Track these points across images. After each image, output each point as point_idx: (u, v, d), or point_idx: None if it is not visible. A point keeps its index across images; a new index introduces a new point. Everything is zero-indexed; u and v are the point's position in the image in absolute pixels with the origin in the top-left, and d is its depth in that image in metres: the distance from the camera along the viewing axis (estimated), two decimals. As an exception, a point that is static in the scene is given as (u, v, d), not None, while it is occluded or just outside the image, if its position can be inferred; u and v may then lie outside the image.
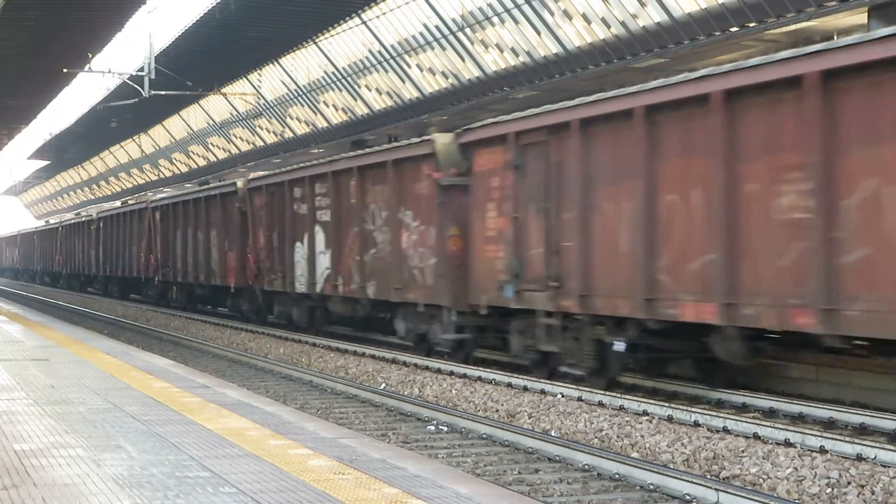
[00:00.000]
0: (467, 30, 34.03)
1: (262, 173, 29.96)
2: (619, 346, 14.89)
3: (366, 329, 25.78)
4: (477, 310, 18.12)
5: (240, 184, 30.08)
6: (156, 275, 38.68)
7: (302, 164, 26.91)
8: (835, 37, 23.48)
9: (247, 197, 29.26)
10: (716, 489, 9.17)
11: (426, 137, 19.96)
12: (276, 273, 27.02)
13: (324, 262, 24.25)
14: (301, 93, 46.58)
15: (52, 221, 71.92)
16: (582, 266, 15.40)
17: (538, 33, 31.37)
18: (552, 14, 30.50)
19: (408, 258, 20.31)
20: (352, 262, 22.74)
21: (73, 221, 57.63)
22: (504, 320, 17.75)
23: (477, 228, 18.08)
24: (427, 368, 18.66)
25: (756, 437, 11.65)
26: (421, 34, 36.53)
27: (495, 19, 32.52)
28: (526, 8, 30.81)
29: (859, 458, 10.48)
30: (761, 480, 9.94)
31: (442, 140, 19.31)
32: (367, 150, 23.72)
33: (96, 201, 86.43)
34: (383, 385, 17.20)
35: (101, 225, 48.88)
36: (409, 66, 38.43)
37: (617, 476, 10.21)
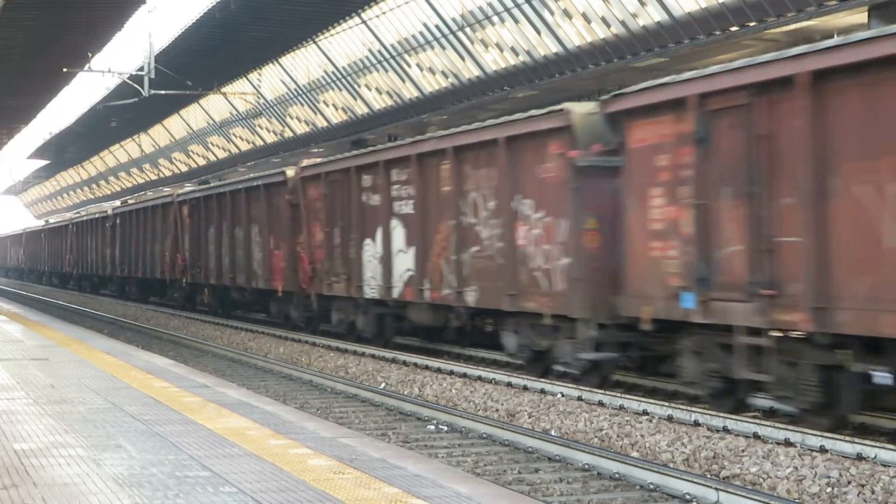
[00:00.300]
0: (467, 29, 34.04)
1: (317, 160, 26.28)
2: (883, 377, 11.30)
3: (454, 342, 21.34)
4: (635, 323, 14.50)
5: (290, 172, 26.12)
6: (183, 276, 34.98)
7: (374, 148, 23.16)
8: (834, 36, 23.48)
9: (299, 187, 25.29)
10: (716, 488, 9.17)
11: (555, 108, 16.24)
12: (337, 275, 23.30)
13: (404, 262, 20.53)
14: (301, 92, 46.59)
15: (51, 221, 71.50)
16: (814, 269, 11.61)
17: (538, 33, 31.38)
18: (552, 13, 30.52)
19: (527, 258, 16.63)
20: (444, 263, 19.07)
21: (85, 218, 53.57)
22: (667, 338, 14.29)
23: (634, 220, 14.44)
24: (427, 368, 18.65)
25: (756, 436, 11.64)
26: (421, 34, 36.54)
27: (495, 19, 32.53)
28: (526, 7, 30.82)
29: (859, 457, 10.48)
30: (761, 480, 9.94)
31: (581, 110, 15.77)
32: (467, 126, 19.49)
33: (96, 201, 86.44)
34: (383, 384, 17.19)
35: (118, 221, 45.17)
36: (409, 66, 38.44)
37: (617, 475, 10.21)
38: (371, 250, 21.89)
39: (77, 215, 58.44)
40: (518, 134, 17.01)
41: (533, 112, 17.04)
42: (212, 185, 35.43)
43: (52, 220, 71.89)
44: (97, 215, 50.65)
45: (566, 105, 16.13)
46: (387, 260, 21.15)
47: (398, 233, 20.83)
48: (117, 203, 51.46)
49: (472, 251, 18.30)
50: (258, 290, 28.56)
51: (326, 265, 23.82)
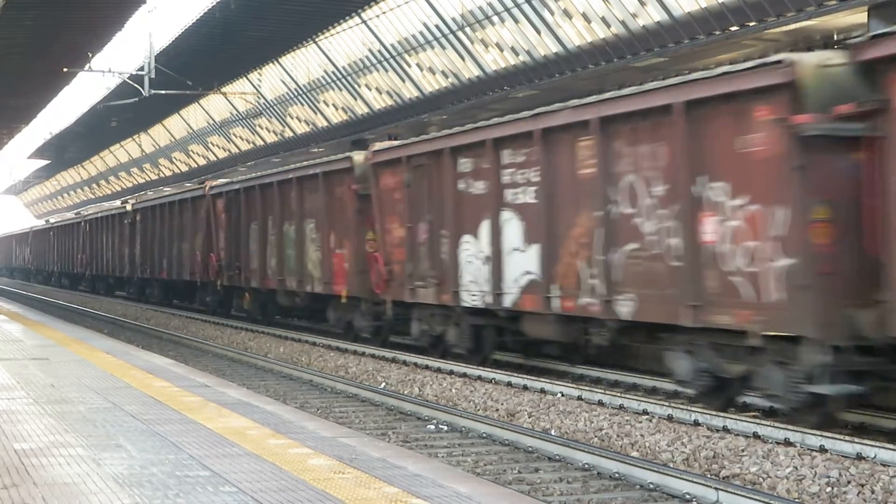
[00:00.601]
0: (467, 29, 34.05)
1: (395, 142, 22.14)
2: None
3: (572, 359, 17.88)
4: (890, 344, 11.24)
5: (358, 158, 22.36)
6: (218, 278, 31.28)
7: (478, 124, 18.70)
8: (834, 36, 23.50)
9: (370, 174, 21.39)
10: (716, 488, 9.17)
11: (768, 60, 12.39)
12: (423, 279, 19.52)
13: (521, 263, 16.80)
14: (301, 92, 46.61)
15: (52, 220, 71.25)
16: None
17: (538, 32, 31.39)
18: (552, 13, 30.54)
19: (718, 258, 12.86)
20: (583, 264, 15.37)
21: (100, 215, 49.52)
22: None
23: None
24: (427, 367, 18.65)
25: (756, 436, 11.65)
26: (421, 33, 36.56)
27: (495, 18, 32.55)
28: (526, 7, 30.83)
29: (859, 457, 10.48)
30: (761, 479, 9.94)
31: (812, 61, 11.88)
32: (617, 92, 15.58)
33: (95, 200, 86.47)
34: (383, 384, 17.19)
35: (139, 218, 41.26)
36: (409, 66, 38.45)
37: (617, 475, 10.22)
38: (471, 249, 18.19)
39: (77, 215, 57.64)
40: (705, 97, 13.12)
41: (729, 67, 13.25)
42: (254, 174, 31.03)
43: (52, 220, 71.58)
44: (114, 211, 46.93)
45: (789, 56, 12.11)
46: (496, 261, 17.42)
47: (512, 227, 17.11)
48: (125, 198, 50.06)
49: (627, 249, 14.50)
50: (313, 294, 25.00)
51: (408, 267, 19.98)
